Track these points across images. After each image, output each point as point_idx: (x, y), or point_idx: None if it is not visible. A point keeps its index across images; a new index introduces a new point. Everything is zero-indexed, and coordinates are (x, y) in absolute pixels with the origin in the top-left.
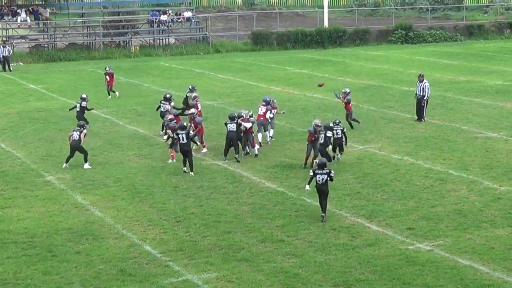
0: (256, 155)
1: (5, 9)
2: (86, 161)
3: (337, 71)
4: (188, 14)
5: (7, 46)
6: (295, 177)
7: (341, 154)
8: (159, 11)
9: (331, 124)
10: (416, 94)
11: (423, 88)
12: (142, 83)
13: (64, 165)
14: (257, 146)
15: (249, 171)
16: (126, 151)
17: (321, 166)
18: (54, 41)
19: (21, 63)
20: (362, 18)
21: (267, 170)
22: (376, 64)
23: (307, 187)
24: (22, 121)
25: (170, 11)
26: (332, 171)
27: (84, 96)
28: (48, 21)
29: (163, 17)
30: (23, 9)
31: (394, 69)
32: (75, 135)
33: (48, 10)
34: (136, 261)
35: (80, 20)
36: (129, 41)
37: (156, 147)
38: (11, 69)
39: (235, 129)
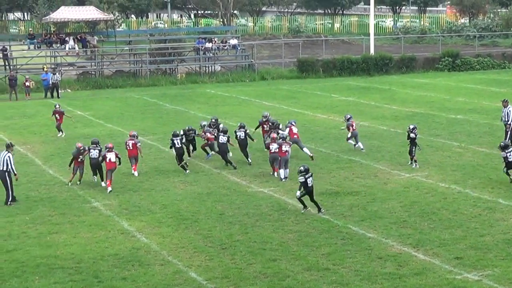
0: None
1: (54, 37)
2: (102, 180)
3: (383, 99)
4: (234, 41)
5: (56, 73)
6: (340, 205)
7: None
8: (205, 38)
9: None
10: (502, 119)
11: (507, 113)
12: (188, 110)
13: (103, 184)
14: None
15: (295, 199)
16: (172, 178)
17: (307, 171)
18: (101, 68)
19: (69, 90)
20: (408, 45)
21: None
22: (422, 91)
23: (298, 193)
24: (69, 147)
25: (216, 39)
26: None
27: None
28: (96, 49)
29: (209, 45)
30: (71, 37)
31: (441, 96)
32: (94, 153)
33: (96, 38)
34: None
35: (127, 48)
36: (175, 68)
37: (201, 174)
38: (59, 96)
39: (243, 137)
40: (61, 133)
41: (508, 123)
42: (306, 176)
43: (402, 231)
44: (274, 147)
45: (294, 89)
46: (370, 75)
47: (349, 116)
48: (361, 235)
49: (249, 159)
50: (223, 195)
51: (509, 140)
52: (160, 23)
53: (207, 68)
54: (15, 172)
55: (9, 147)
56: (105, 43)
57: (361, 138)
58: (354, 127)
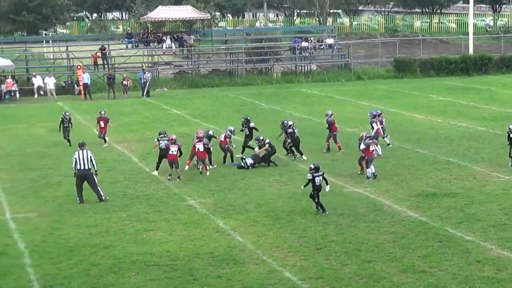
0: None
1: (151, 36)
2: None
3: (483, 99)
4: (330, 41)
5: (146, 72)
6: (437, 207)
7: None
8: (301, 38)
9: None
10: None
11: None
12: (284, 110)
13: (157, 172)
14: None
15: (391, 200)
16: (267, 177)
17: (317, 169)
18: (198, 67)
19: (165, 89)
20: (509, 45)
21: (409, 199)
22: None
23: (302, 187)
24: None
25: (312, 38)
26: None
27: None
28: (192, 48)
29: (305, 44)
30: (169, 36)
31: None
32: (163, 144)
33: (193, 37)
34: (276, 287)
35: (223, 47)
36: (271, 67)
37: (297, 173)
38: (149, 95)
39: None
40: (106, 143)
41: None
42: (315, 174)
43: (501, 234)
44: (362, 146)
45: (391, 89)
46: (468, 75)
47: (379, 112)
48: (458, 237)
49: (303, 156)
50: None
51: None
52: (260, 22)
53: (303, 67)
54: (96, 170)
55: (83, 145)
56: (202, 42)
57: (460, 138)
58: (383, 124)
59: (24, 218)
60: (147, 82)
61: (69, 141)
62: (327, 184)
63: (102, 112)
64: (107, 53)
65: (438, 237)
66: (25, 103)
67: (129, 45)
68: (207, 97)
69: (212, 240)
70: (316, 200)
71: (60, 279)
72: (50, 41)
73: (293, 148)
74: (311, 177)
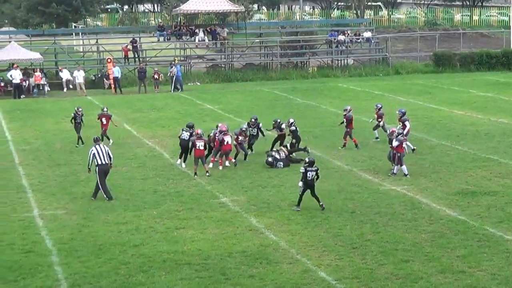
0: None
1: (183, 29)
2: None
3: None
4: (367, 34)
5: (173, 67)
6: (477, 205)
7: None
8: (337, 31)
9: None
10: None
11: None
12: (319, 105)
13: (179, 161)
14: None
15: (429, 198)
16: None
17: (311, 163)
18: (231, 61)
19: (198, 83)
20: None
21: (448, 197)
22: None
23: (300, 183)
24: None
25: (349, 31)
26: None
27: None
28: (226, 41)
29: (342, 37)
30: (201, 29)
31: None
32: (185, 135)
33: (226, 30)
34: (310, 287)
35: (258, 40)
36: (306, 61)
37: (332, 170)
38: (179, 88)
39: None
40: (110, 140)
41: None
42: (308, 168)
43: None
44: (395, 143)
45: (430, 84)
46: (510, 70)
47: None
48: (498, 237)
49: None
50: (354, 193)
51: None
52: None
53: (339, 61)
54: (111, 163)
55: (98, 140)
56: (235, 36)
57: (500, 135)
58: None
59: (52, 215)
60: (173, 76)
61: (80, 138)
62: (316, 180)
63: (105, 109)
64: (138, 46)
65: (478, 237)
66: (53, 97)
67: (161, 38)
68: (240, 91)
69: (245, 239)
70: (301, 195)
71: (89, 278)
72: (80, 34)
73: (296, 145)
74: (303, 171)
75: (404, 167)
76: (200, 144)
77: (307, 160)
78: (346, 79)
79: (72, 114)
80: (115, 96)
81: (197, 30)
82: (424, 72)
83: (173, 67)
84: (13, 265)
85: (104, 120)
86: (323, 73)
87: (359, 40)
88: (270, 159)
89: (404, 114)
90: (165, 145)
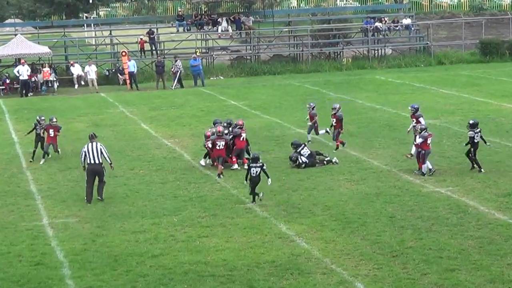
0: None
1: (205, 18)
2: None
3: None
4: (407, 21)
5: (178, 60)
6: None
7: None
8: (374, 18)
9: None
10: None
11: None
12: (355, 99)
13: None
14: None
15: (476, 200)
16: (336, 176)
17: (255, 160)
18: (257, 52)
19: (221, 77)
20: None
21: (497, 200)
22: None
23: (245, 182)
24: None
25: (386, 18)
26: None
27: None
28: (251, 31)
29: (379, 25)
30: (224, 18)
31: None
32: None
33: (251, 18)
34: None
35: (286, 29)
36: (340, 52)
37: (370, 171)
38: (203, 83)
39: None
40: (59, 153)
41: None
42: (251, 164)
43: None
44: (419, 140)
45: (476, 74)
46: None
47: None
48: None
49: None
50: (393, 196)
51: None
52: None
53: (376, 51)
54: (111, 162)
55: (93, 137)
56: (262, 25)
57: None
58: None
59: (63, 223)
60: (177, 72)
61: (46, 152)
62: (268, 177)
63: (54, 120)
64: (156, 37)
65: None
66: (64, 95)
67: (180, 29)
68: (268, 86)
69: (274, 247)
70: (251, 192)
71: None
72: (92, 25)
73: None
74: (247, 167)
75: (427, 164)
76: (221, 144)
77: (251, 155)
78: (383, 71)
79: (33, 124)
80: (131, 93)
81: (219, 19)
82: (469, 62)
83: (177, 61)
84: (21, 279)
85: (51, 131)
86: (359, 65)
87: (397, 28)
88: (294, 155)
89: (417, 110)
90: (185, 145)
